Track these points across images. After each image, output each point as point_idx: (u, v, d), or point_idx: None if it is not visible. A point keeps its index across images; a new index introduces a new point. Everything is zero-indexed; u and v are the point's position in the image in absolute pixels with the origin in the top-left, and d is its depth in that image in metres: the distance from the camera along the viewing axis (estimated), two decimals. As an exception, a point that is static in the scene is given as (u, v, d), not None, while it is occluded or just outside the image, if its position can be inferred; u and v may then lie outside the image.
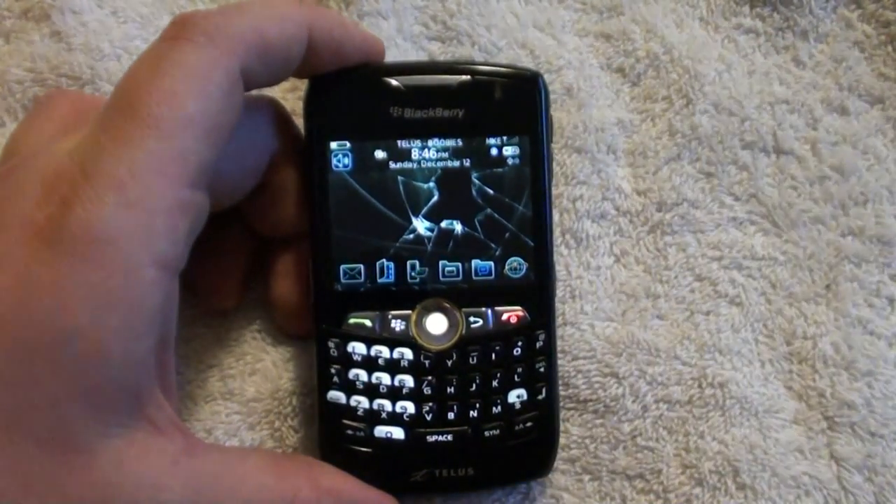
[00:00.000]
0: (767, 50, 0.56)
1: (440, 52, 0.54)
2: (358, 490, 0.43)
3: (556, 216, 0.51)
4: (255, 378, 0.49)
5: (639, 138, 0.54)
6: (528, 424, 0.45)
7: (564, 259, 0.52)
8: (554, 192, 0.51)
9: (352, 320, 0.45)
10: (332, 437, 0.44)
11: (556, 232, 0.51)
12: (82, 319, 0.35)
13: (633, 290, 0.52)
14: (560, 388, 0.49)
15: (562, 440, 0.49)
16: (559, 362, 0.49)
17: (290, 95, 0.52)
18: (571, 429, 0.50)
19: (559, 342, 0.49)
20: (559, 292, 0.51)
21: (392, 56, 0.52)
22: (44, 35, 0.53)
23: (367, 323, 0.45)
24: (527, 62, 0.54)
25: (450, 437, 0.44)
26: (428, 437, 0.44)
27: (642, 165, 0.53)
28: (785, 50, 0.56)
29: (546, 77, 0.51)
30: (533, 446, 0.46)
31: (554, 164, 0.51)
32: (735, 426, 0.50)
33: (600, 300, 0.51)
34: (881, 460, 0.50)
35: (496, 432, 0.45)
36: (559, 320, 0.50)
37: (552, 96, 0.53)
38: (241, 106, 0.40)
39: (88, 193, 0.35)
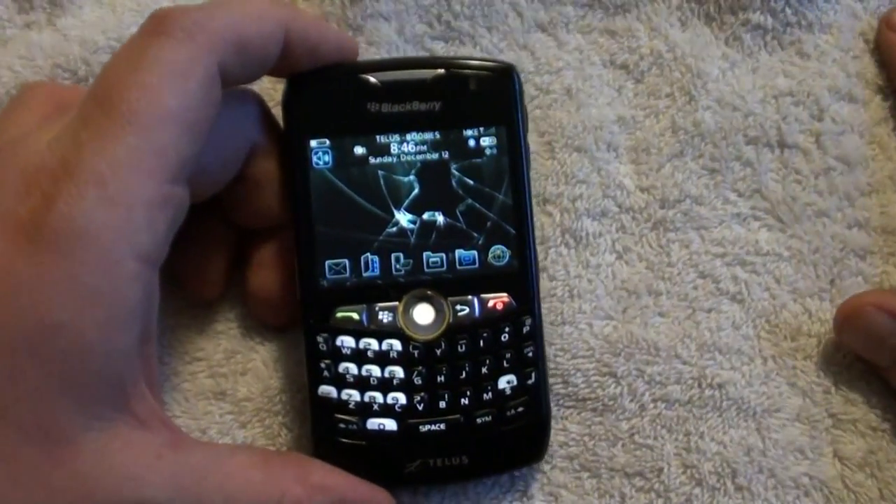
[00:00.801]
0: (773, 47, 0.56)
1: (442, 52, 0.55)
2: (349, 486, 0.44)
3: (555, 216, 0.53)
4: (246, 378, 0.50)
5: (642, 135, 0.55)
6: (520, 409, 0.46)
7: (563, 259, 0.52)
8: (554, 191, 0.53)
9: (339, 314, 0.46)
10: (325, 431, 0.45)
11: (556, 231, 0.52)
12: (65, 314, 0.36)
13: (635, 287, 0.52)
14: (558, 385, 0.50)
15: (560, 437, 0.50)
16: (557, 359, 0.50)
17: (280, 85, 0.53)
18: (570, 426, 0.50)
19: (557, 340, 0.51)
20: (558, 291, 0.52)
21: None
22: (42, 28, 0.55)
23: (355, 316, 0.46)
24: (527, 63, 0.55)
25: (442, 426, 0.45)
26: (420, 427, 0.45)
27: (645, 162, 0.54)
28: (791, 45, 0.56)
29: (546, 78, 0.54)
30: (525, 431, 0.47)
31: (552, 163, 0.53)
32: (733, 427, 0.50)
33: (599, 298, 0.52)
34: (885, 455, 0.50)
35: (488, 419, 0.46)
36: (557, 319, 0.51)
37: (551, 97, 0.54)
38: (219, 102, 0.41)
39: (69, 189, 0.36)
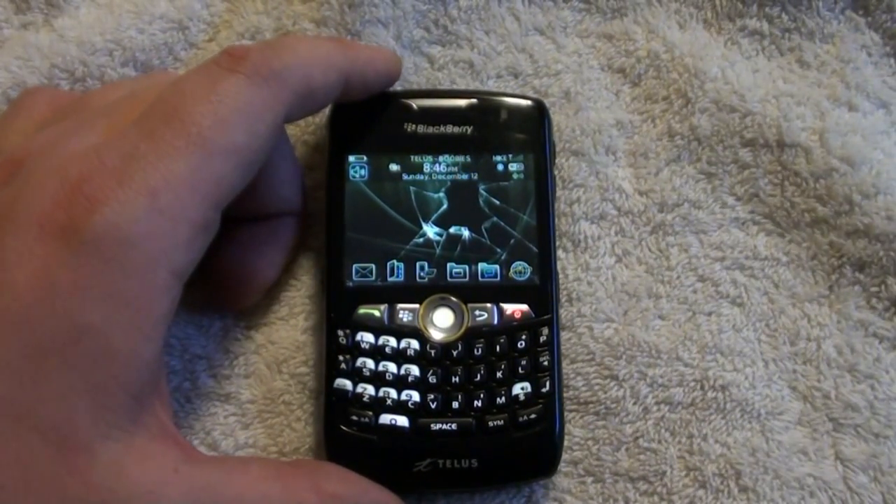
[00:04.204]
0: (771, 53, 0.59)
1: (440, 56, 0.58)
2: (362, 492, 0.46)
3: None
4: (249, 381, 0.52)
5: (640, 139, 0.57)
6: (532, 416, 0.48)
7: (561, 262, 0.54)
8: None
9: (361, 311, 0.49)
10: (338, 423, 0.48)
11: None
12: (96, 316, 0.38)
13: (635, 290, 0.54)
14: (560, 389, 0.52)
15: (564, 442, 0.50)
16: (558, 363, 0.52)
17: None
18: (573, 430, 0.52)
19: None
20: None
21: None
22: (39, 28, 0.57)
23: (376, 314, 0.49)
24: (525, 66, 0.58)
25: (454, 426, 0.48)
26: (432, 426, 0.48)
27: (643, 166, 0.56)
28: (790, 51, 0.59)
29: (544, 81, 0.57)
30: (537, 441, 0.48)
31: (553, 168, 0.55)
32: (737, 429, 0.52)
33: (599, 301, 0.54)
34: (887, 460, 0.52)
35: (500, 423, 0.48)
36: (556, 324, 0.53)
37: (550, 100, 0.57)
38: (275, 142, 0.44)
39: (119, 196, 0.38)
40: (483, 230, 0.51)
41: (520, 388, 0.48)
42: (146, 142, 0.40)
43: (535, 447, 0.49)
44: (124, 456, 0.39)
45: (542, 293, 0.50)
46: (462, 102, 0.53)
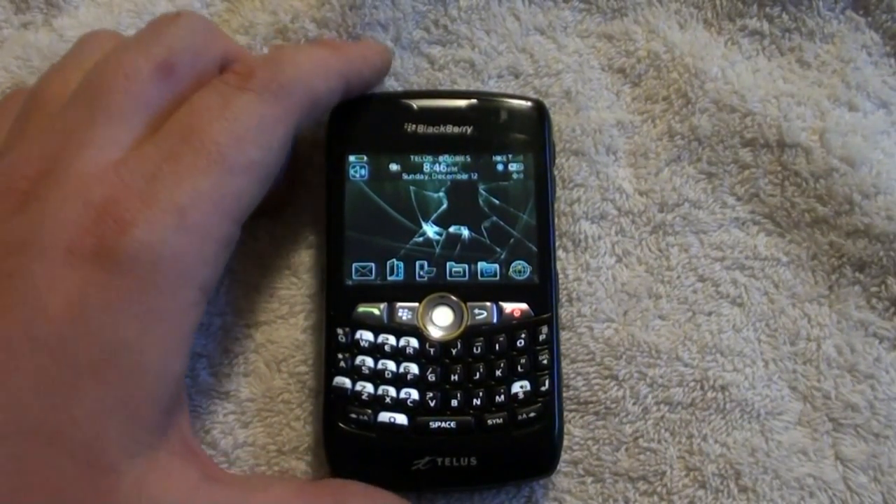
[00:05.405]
0: (772, 53, 0.59)
1: (440, 56, 0.58)
2: None
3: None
4: (249, 379, 0.52)
5: (640, 139, 0.57)
6: (532, 415, 0.48)
7: (561, 262, 0.54)
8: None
9: (361, 309, 0.49)
10: (337, 422, 0.48)
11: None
12: (130, 332, 0.39)
13: (636, 290, 0.54)
14: (560, 388, 0.52)
15: (564, 442, 0.51)
16: (558, 363, 0.52)
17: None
18: (573, 430, 0.52)
19: (557, 344, 0.53)
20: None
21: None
22: (38, 28, 0.57)
23: (375, 312, 0.49)
24: (526, 66, 0.58)
25: (453, 424, 0.48)
26: (431, 424, 0.48)
27: (644, 166, 0.57)
28: (790, 51, 0.59)
29: (545, 81, 0.57)
30: (537, 439, 0.49)
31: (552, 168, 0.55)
32: (737, 429, 0.52)
33: (600, 301, 0.54)
34: (887, 460, 0.52)
35: (499, 421, 0.48)
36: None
37: (551, 100, 0.57)
38: (288, 153, 0.46)
39: (147, 216, 0.39)
40: (483, 230, 0.51)
41: (519, 387, 0.49)
42: (168, 162, 0.41)
43: (535, 446, 0.49)
44: (147, 473, 0.40)
45: (542, 292, 0.50)
46: (462, 103, 0.53)
